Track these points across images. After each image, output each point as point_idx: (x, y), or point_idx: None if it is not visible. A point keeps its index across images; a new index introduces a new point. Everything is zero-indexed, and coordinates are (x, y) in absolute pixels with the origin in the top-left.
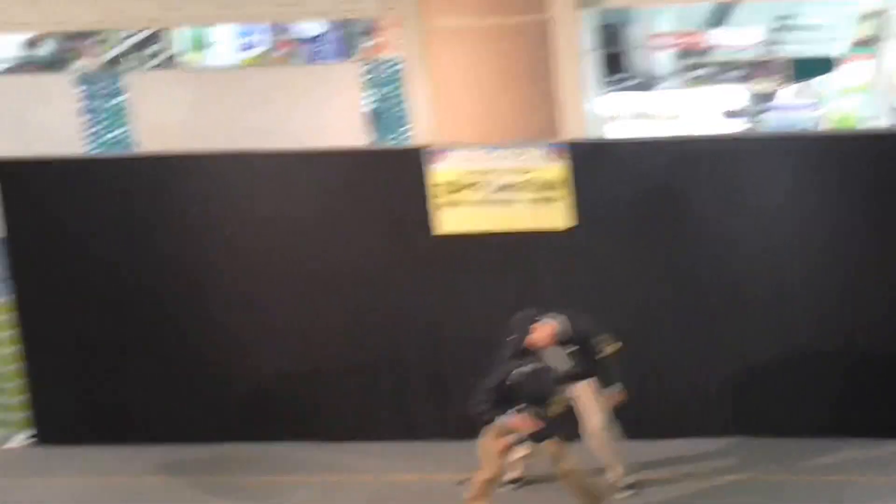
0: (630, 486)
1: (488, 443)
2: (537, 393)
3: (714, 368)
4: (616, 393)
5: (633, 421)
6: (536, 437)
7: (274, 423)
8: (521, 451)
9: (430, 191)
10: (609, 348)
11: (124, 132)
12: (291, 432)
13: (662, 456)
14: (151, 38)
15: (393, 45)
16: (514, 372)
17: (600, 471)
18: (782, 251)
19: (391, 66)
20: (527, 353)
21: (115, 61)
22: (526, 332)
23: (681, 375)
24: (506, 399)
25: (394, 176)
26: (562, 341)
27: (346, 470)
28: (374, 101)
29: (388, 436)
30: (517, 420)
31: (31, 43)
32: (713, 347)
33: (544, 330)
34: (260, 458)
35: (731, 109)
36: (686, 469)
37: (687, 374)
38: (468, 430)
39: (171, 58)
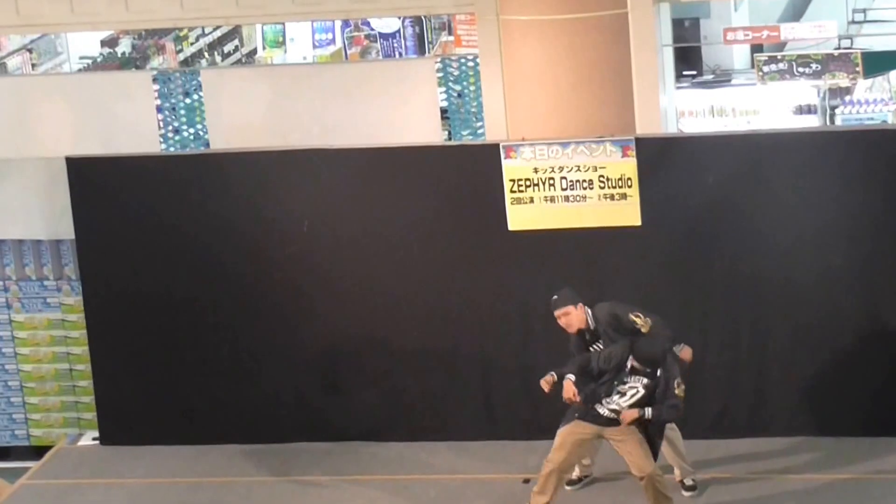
0: (692, 487)
1: (566, 432)
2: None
3: (779, 367)
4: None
5: (696, 418)
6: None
7: (346, 422)
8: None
9: (505, 186)
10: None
11: (200, 129)
12: (364, 432)
13: (725, 455)
14: (228, 36)
15: (469, 41)
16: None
17: (665, 468)
18: (859, 248)
19: (467, 62)
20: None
21: (191, 59)
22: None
23: (744, 373)
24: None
25: (469, 171)
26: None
27: (415, 468)
28: (450, 97)
29: (466, 434)
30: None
31: (110, 41)
32: (775, 345)
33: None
34: (327, 457)
35: (805, 104)
36: (747, 468)
37: (750, 373)
38: (545, 427)
39: (247, 55)
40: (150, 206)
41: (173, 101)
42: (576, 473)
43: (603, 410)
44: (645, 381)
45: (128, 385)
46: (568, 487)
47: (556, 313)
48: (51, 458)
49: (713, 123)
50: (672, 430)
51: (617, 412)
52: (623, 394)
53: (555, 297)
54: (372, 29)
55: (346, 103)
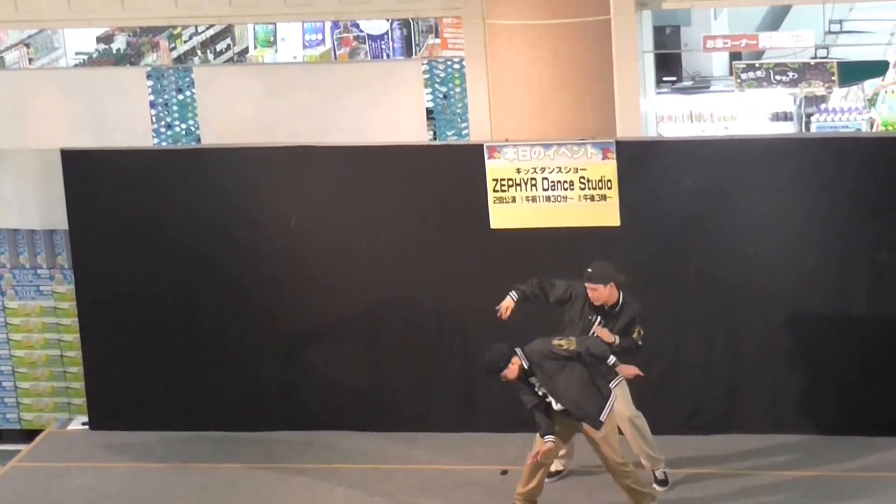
0: (664, 481)
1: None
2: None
3: (751, 366)
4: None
5: (669, 416)
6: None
7: (326, 412)
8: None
9: (488, 186)
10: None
11: (192, 125)
12: (346, 421)
13: (697, 451)
14: (221, 35)
15: (455, 44)
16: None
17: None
18: (831, 250)
19: (453, 64)
20: None
21: (184, 56)
22: None
23: (716, 372)
24: None
25: (453, 171)
26: None
27: (395, 458)
28: (436, 98)
29: (446, 426)
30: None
31: (105, 37)
32: (751, 345)
33: None
34: (309, 446)
35: (781, 112)
36: (719, 464)
37: (723, 371)
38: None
39: (239, 54)
40: (141, 199)
41: (166, 97)
42: (554, 467)
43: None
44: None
45: (117, 372)
46: (546, 480)
47: (587, 286)
48: (41, 441)
49: (692, 128)
50: (638, 417)
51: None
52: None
53: (589, 269)
54: (360, 31)
55: (334, 102)
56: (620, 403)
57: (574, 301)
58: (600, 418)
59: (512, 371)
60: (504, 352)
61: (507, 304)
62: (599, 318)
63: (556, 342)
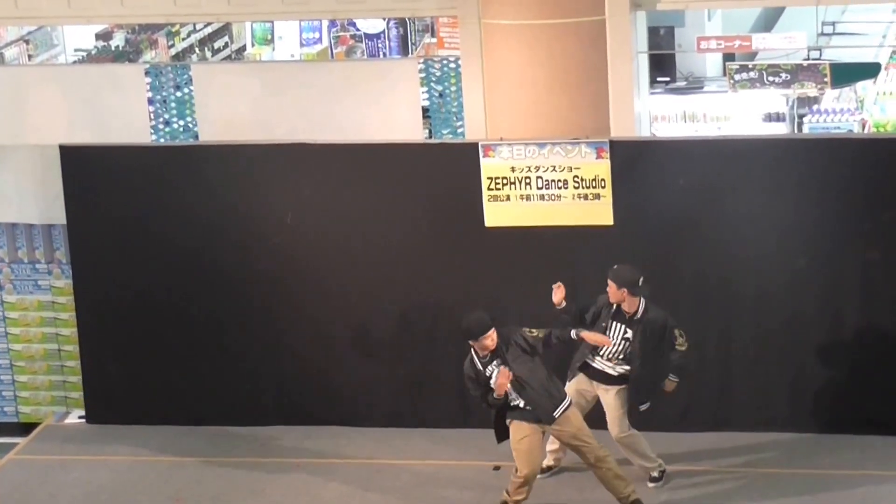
0: (658, 478)
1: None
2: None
3: (742, 364)
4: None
5: (662, 413)
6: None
7: (321, 408)
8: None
9: (482, 184)
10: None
11: (189, 122)
12: (341, 417)
13: (689, 448)
14: (219, 33)
15: (451, 43)
16: None
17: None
18: (822, 250)
19: (449, 64)
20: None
21: (183, 54)
22: None
23: (708, 371)
24: None
25: (448, 169)
26: None
27: (389, 454)
28: (432, 97)
29: (440, 422)
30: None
31: (104, 35)
32: (742, 344)
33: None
34: (304, 441)
35: (774, 112)
36: (710, 461)
37: (715, 369)
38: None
39: (236, 51)
40: (139, 195)
41: (164, 93)
42: (546, 462)
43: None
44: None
45: (114, 366)
46: (538, 475)
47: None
48: (38, 434)
49: (685, 128)
50: (630, 436)
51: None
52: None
53: (615, 266)
54: (357, 29)
55: (330, 100)
56: (575, 412)
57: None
58: (554, 413)
59: (490, 342)
60: (484, 318)
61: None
62: (615, 322)
63: (527, 329)
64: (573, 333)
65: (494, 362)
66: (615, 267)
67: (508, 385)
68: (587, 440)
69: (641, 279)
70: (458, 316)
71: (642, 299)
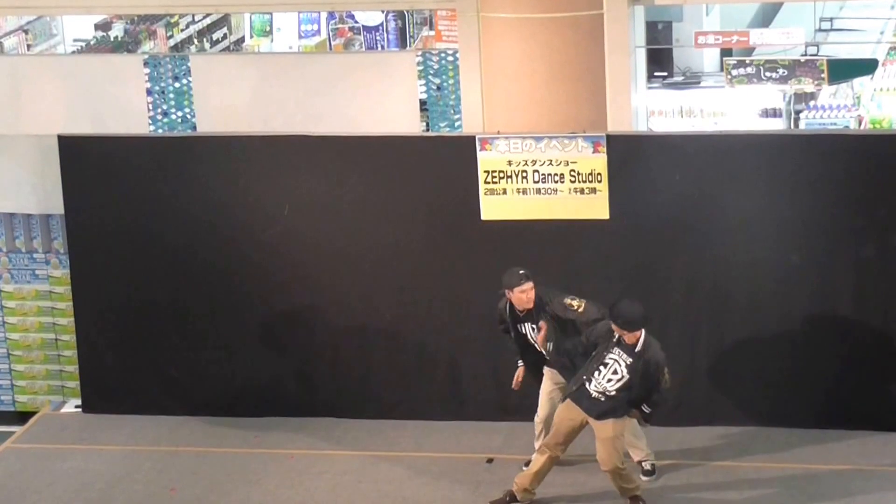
0: (650, 471)
1: (560, 417)
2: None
3: (735, 359)
4: None
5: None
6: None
7: (316, 399)
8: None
9: (479, 177)
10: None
11: (188, 113)
12: (336, 408)
13: (681, 442)
14: (217, 24)
15: (449, 36)
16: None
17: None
18: (816, 246)
19: (447, 56)
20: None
21: (181, 45)
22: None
23: (701, 365)
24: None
25: (445, 162)
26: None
27: (383, 445)
28: (430, 90)
29: (433, 414)
30: None
31: (103, 25)
32: (735, 338)
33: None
34: (299, 432)
35: (771, 108)
36: (702, 456)
37: (707, 363)
38: (510, 409)
39: (235, 43)
40: (137, 185)
41: (163, 84)
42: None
43: (591, 391)
44: (627, 360)
45: (111, 356)
46: (525, 468)
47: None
48: (34, 423)
49: (682, 123)
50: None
51: (603, 394)
52: (606, 374)
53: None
54: (356, 21)
55: (328, 92)
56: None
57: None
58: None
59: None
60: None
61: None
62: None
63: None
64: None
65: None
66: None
67: (618, 365)
68: (614, 452)
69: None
70: (453, 309)
71: (643, 332)
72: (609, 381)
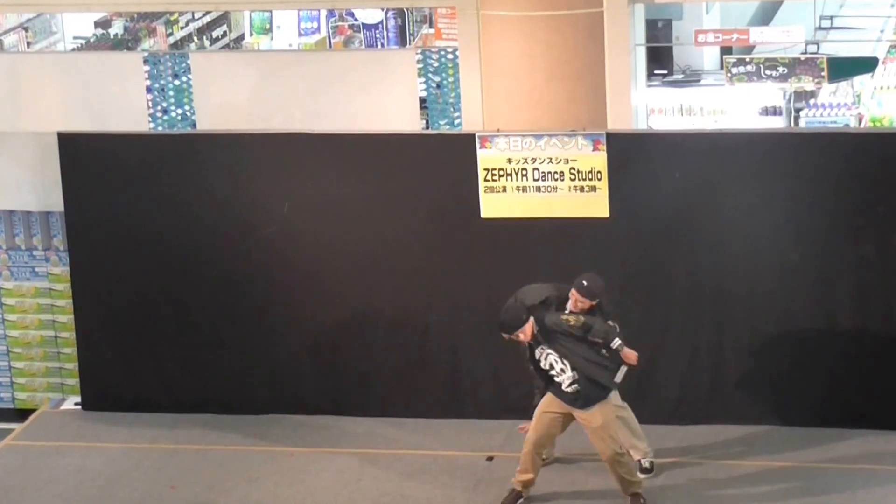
0: (648, 469)
1: (541, 409)
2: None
3: (735, 357)
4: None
5: (654, 405)
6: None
7: (318, 397)
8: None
9: (479, 175)
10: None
11: (188, 110)
12: (336, 406)
13: (681, 440)
14: (217, 21)
15: (449, 34)
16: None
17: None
18: (816, 244)
19: (446, 54)
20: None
21: (181, 42)
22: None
23: (701, 363)
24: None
25: (445, 160)
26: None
27: (383, 443)
28: (429, 88)
29: (434, 412)
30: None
31: (103, 22)
32: (735, 336)
33: None
34: (299, 430)
35: (770, 106)
36: (702, 454)
37: (708, 361)
38: (510, 407)
39: (235, 40)
40: (137, 183)
41: (163, 82)
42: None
43: (564, 386)
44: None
45: (110, 353)
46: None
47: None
48: (34, 420)
49: (682, 121)
50: (625, 409)
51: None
52: (555, 371)
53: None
54: (356, 19)
55: (328, 90)
56: (609, 408)
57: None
58: (607, 398)
59: (526, 332)
60: (522, 311)
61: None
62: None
63: (563, 317)
64: (616, 343)
65: (540, 347)
66: (584, 283)
67: (554, 358)
68: (609, 440)
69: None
70: (452, 307)
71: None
72: (560, 371)
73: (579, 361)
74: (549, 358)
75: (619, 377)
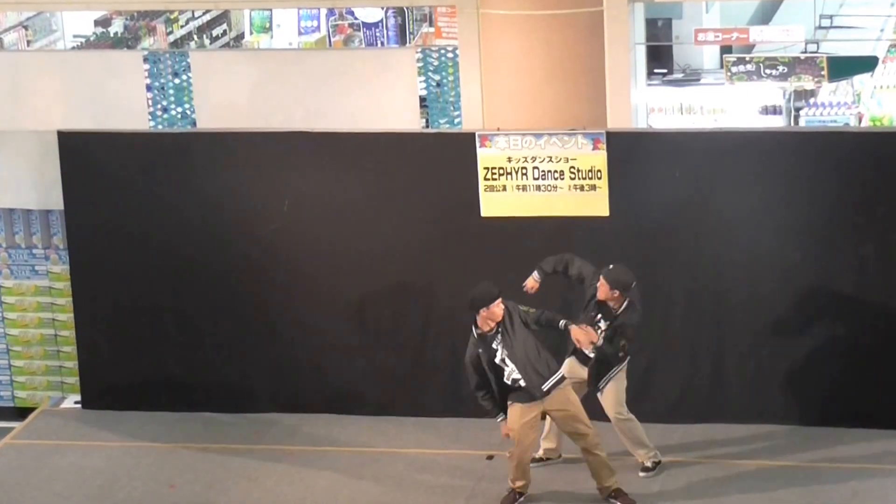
0: (650, 468)
1: (513, 419)
2: None
3: (736, 356)
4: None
5: (655, 404)
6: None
7: (318, 396)
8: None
9: (479, 174)
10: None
11: (187, 109)
12: (336, 405)
13: (682, 439)
14: (217, 20)
15: (449, 33)
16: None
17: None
18: (818, 243)
19: (446, 53)
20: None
21: (181, 41)
22: None
23: (701, 362)
24: None
25: (445, 158)
26: None
27: (383, 442)
28: (429, 86)
29: (434, 411)
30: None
31: (103, 21)
32: (736, 336)
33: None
34: (299, 429)
35: (770, 105)
36: (702, 453)
37: (708, 360)
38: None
39: (235, 39)
40: (137, 181)
41: (162, 80)
42: (538, 453)
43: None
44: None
45: (110, 352)
46: (531, 465)
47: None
48: (34, 419)
49: (682, 120)
50: (630, 420)
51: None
52: (510, 369)
53: (610, 266)
54: (356, 18)
55: (328, 89)
56: (569, 391)
57: (588, 288)
58: (543, 387)
59: (499, 310)
60: (492, 288)
61: (531, 283)
62: (601, 315)
63: (522, 307)
64: (562, 323)
65: (499, 337)
66: (610, 267)
67: (506, 356)
68: (581, 427)
69: (634, 283)
70: (452, 306)
71: (628, 300)
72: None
73: (522, 355)
74: (502, 353)
75: (547, 385)
